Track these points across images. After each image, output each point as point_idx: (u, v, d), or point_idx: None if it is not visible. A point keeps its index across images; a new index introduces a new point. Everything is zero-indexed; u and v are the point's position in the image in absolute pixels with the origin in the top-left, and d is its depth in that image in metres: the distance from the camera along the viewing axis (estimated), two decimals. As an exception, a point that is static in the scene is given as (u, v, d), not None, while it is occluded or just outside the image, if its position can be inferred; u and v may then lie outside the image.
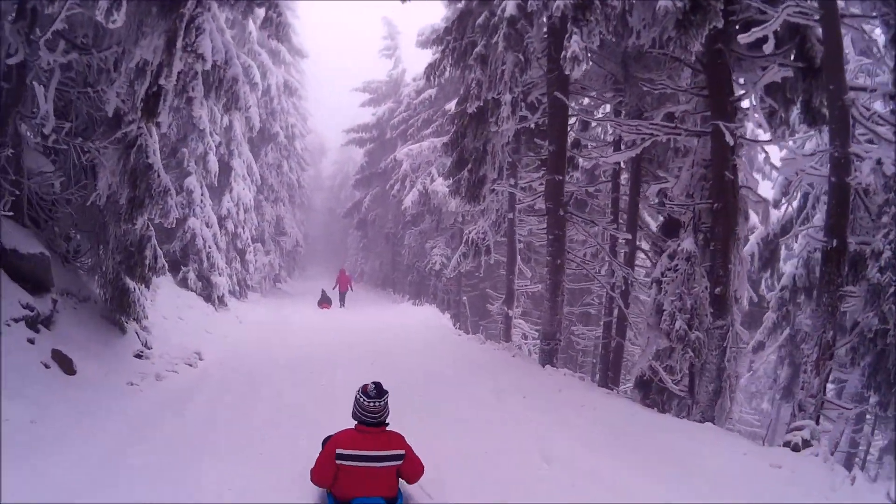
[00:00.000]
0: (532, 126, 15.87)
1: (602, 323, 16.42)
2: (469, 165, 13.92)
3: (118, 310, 10.61)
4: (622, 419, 8.55)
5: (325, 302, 28.47)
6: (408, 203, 28.18)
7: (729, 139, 9.96)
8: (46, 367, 8.29)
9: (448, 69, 14.39)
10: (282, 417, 8.22)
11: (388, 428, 5.29)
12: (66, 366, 8.63)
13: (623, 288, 14.93)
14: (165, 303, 14.55)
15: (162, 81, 8.55)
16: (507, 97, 12.10)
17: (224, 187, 22.84)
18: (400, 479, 5.35)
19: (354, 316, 23.07)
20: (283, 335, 16.01)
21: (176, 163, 17.97)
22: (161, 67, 8.59)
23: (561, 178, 13.18)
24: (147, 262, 10.37)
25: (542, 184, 15.77)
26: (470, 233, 17.64)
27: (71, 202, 10.30)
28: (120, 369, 9.61)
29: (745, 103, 10.81)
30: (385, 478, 5.17)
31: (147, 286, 11.02)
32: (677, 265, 10.59)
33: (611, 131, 16.15)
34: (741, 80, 10.75)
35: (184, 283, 17.57)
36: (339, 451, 5.06)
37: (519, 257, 17.79)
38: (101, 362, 9.37)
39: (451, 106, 29.10)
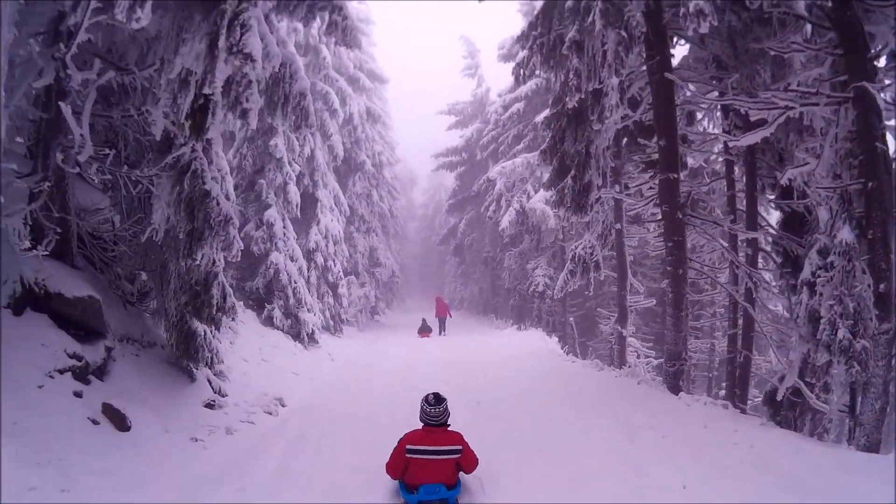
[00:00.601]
0: (632, 126, 14.27)
1: (727, 335, 14.42)
2: (572, 172, 12.34)
3: (185, 355, 9.49)
4: (792, 460, 6.66)
5: (425, 331, 27.70)
6: (505, 223, 26.75)
7: (880, 102, 8.11)
8: (95, 423, 7.22)
9: (538, 66, 12.89)
10: (358, 482, 6.82)
11: (449, 426, 6.47)
12: (119, 421, 7.54)
13: (750, 295, 13.03)
14: (247, 344, 13.52)
15: (207, 90, 7.44)
16: (614, 81, 10.46)
17: (310, 219, 22.03)
18: (459, 470, 6.41)
19: (454, 345, 21.56)
20: (375, 372, 14.64)
21: (254, 196, 17.18)
22: (206, 75, 7.49)
23: (675, 176, 11.45)
24: (215, 301, 9.21)
25: (651, 187, 14.08)
26: (576, 248, 15.97)
27: (126, 239, 9.36)
28: (184, 422, 8.44)
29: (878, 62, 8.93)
30: (446, 468, 6.25)
31: (217, 328, 9.90)
32: (832, 262, 8.58)
33: (720, 122, 14.29)
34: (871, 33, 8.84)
35: (269, 322, 16.61)
36: (408, 447, 6.21)
37: (629, 271, 15.98)
38: (163, 415, 8.23)
39: (541, 118, 27.87)
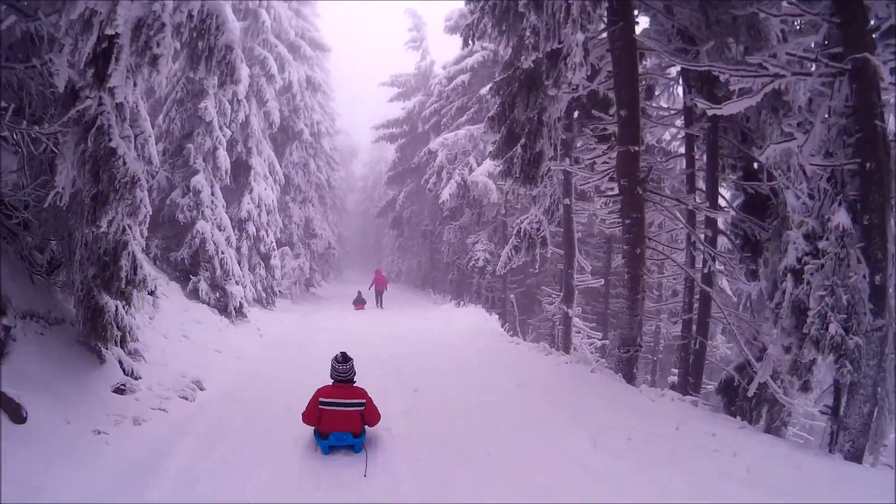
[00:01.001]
0: (584, 97, 13.71)
1: (682, 320, 14.02)
2: (522, 141, 11.70)
3: (92, 334, 8.55)
4: (782, 474, 6.02)
5: (359, 303, 27.33)
6: (445, 196, 25.99)
7: (885, 75, 7.64)
8: None
9: (489, 28, 12.14)
10: (282, 485, 6.12)
11: (355, 383, 7.53)
12: (13, 411, 6.68)
13: (708, 279, 12.68)
14: (169, 319, 12.57)
15: (109, 30, 6.53)
16: (579, 37, 9.72)
17: (243, 188, 21.01)
18: (363, 422, 7.32)
19: (392, 320, 20.89)
20: (306, 348, 13.81)
21: (182, 162, 16.10)
22: (110, 14, 6.58)
23: (636, 148, 10.97)
24: (124, 273, 8.32)
25: (605, 161, 13.56)
26: (522, 223, 15.42)
27: (31, 205, 8.37)
28: (89, 411, 7.58)
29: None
30: (352, 419, 7.21)
31: (128, 303, 8.97)
32: (824, 248, 7.92)
33: (680, 98, 13.84)
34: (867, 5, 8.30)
35: (194, 295, 15.61)
36: (321, 399, 7.26)
37: (577, 249, 15.51)
38: (66, 403, 7.37)
39: (486, 90, 27.18)
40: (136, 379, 9.27)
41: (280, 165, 25.32)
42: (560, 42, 10.14)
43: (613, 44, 11.28)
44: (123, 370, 9.12)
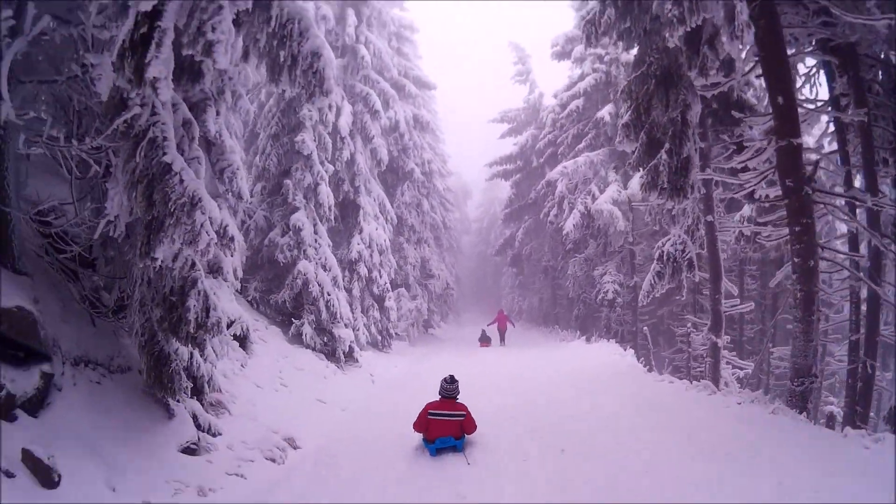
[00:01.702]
0: (715, 103, 11.90)
1: (848, 341, 11.76)
2: (666, 146, 9.85)
3: (156, 384, 7.33)
4: None
5: (485, 340, 26.75)
6: (569, 227, 24.19)
7: None
8: (9, 475, 5.27)
9: (613, 21, 10.50)
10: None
11: (458, 399, 8.87)
12: (42, 474, 5.47)
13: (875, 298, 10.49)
14: (264, 367, 11.38)
15: (144, 6, 5.34)
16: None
17: (352, 228, 20.02)
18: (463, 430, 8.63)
19: (517, 360, 19.00)
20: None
21: (281, 199, 15.13)
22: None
23: (799, 141, 9.01)
24: (193, 315, 7.08)
25: (752, 168, 11.55)
26: (664, 245, 13.43)
27: (81, 236, 7.32)
28: (145, 476, 6.29)
29: None
30: (454, 426, 8.54)
31: (200, 349, 7.73)
32: None
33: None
34: None
35: (297, 340, 14.42)
36: (430, 411, 8.64)
37: (723, 271, 13.38)
38: (115, 466, 6.11)
39: (604, 113, 25.47)
40: (214, 436, 8.00)
41: (392, 206, 24.35)
42: (703, 17, 8.40)
43: (756, 23, 9.37)
44: (198, 425, 7.87)
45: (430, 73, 31.52)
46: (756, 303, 20.92)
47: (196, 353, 7.85)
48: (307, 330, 14.36)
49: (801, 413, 8.68)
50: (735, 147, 13.45)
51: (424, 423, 8.56)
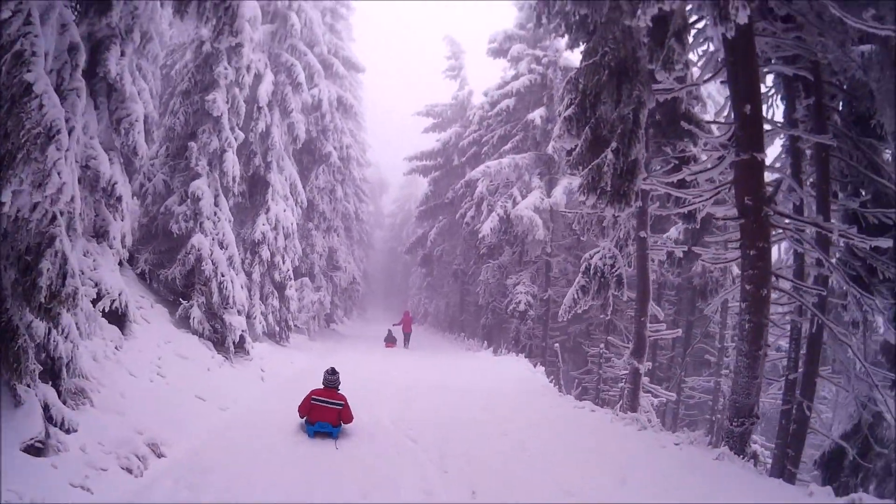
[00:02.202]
0: (658, 114, 11.25)
1: (784, 379, 11.23)
2: (614, 145, 8.90)
3: (2, 363, 5.88)
4: None
5: (390, 341, 26.19)
6: (486, 231, 23.27)
7: None
8: None
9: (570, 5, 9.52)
10: None
11: (338, 390, 9.68)
12: None
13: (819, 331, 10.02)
14: (143, 352, 9.84)
15: None
16: None
17: (259, 206, 18.53)
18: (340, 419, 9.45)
19: (424, 370, 17.76)
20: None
21: (184, 164, 13.46)
22: None
23: (762, 156, 8.30)
24: (46, 281, 5.66)
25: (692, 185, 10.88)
26: (591, 258, 12.60)
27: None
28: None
29: None
30: (333, 414, 9.35)
31: (55, 325, 6.29)
32: None
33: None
34: None
35: (185, 323, 12.79)
36: (313, 396, 9.47)
37: (651, 293, 12.67)
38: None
39: (535, 116, 24.69)
40: (67, 432, 6.54)
41: (304, 189, 22.88)
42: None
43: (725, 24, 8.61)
44: (50, 418, 6.39)
45: (362, 56, 30.19)
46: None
47: (56, 329, 6.41)
48: (196, 313, 12.72)
49: (740, 456, 7.94)
50: (677, 161, 12.82)
51: (307, 406, 9.44)
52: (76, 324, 7.14)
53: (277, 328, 19.77)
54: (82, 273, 9.14)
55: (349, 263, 31.42)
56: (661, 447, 8.37)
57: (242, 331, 13.51)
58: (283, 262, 19.10)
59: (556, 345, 19.58)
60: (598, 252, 12.45)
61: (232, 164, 13.68)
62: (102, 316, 9.18)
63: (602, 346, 20.98)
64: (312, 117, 24.11)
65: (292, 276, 19.87)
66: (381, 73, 55.93)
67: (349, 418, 9.44)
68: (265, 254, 18.04)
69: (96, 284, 9.14)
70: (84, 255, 9.32)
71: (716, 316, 20.71)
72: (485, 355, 22.08)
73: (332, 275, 28.79)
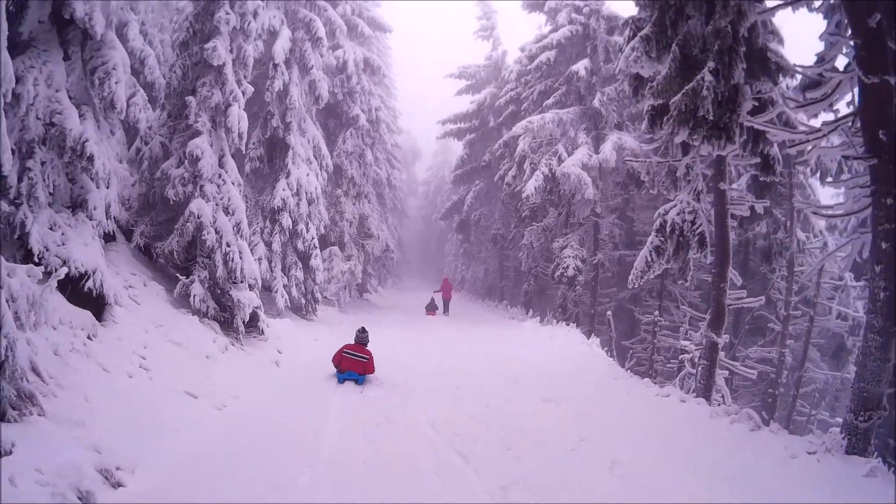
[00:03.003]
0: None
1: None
2: (711, 64, 7.04)
3: None
4: None
5: (432, 309, 26.61)
6: (529, 190, 21.24)
7: None
8: None
9: None
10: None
11: (366, 346, 11.59)
12: None
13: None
14: (125, 339, 8.26)
15: None
16: None
17: (278, 171, 17.08)
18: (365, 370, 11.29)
19: (468, 344, 16.44)
20: (334, 396, 9.60)
21: (184, 125, 11.77)
22: None
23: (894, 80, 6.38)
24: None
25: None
26: (667, 212, 10.68)
27: None
28: None
29: None
30: (359, 365, 11.18)
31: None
32: None
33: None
34: None
35: (184, 301, 11.25)
36: (344, 350, 11.28)
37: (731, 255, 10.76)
38: None
39: (579, 67, 22.51)
40: (2, 454, 5.00)
41: (332, 154, 21.24)
42: None
43: None
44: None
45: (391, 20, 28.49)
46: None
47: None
48: (197, 290, 11.02)
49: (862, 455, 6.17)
50: (756, 104, 10.88)
51: (339, 357, 11.24)
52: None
53: (303, 301, 18.28)
54: (47, 249, 7.69)
55: (382, 231, 29.85)
56: (790, 457, 6.53)
57: (255, 307, 11.90)
58: (307, 230, 17.54)
59: (609, 313, 17.73)
60: (675, 206, 10.54)
61: (237, 118, 11.88)
62: (71, 299, 7.67)
63: (656, 313, 19.23)
64: (338, 79, 22.51)
65: (317, 244, 18.25)
66: (410, 38, 53.93)
67: (371, 370, 11.32)
68: (286, 221, 16.54)
69: (64, 262, 7.63)
70: (50, 229, 7.83)
71: (781, 282, 18.77)
72: (531, 325, 20.26)
73: (363, 243, 27.15)
